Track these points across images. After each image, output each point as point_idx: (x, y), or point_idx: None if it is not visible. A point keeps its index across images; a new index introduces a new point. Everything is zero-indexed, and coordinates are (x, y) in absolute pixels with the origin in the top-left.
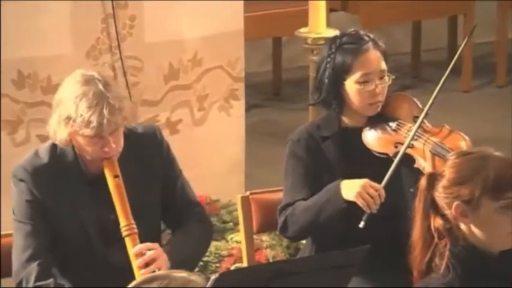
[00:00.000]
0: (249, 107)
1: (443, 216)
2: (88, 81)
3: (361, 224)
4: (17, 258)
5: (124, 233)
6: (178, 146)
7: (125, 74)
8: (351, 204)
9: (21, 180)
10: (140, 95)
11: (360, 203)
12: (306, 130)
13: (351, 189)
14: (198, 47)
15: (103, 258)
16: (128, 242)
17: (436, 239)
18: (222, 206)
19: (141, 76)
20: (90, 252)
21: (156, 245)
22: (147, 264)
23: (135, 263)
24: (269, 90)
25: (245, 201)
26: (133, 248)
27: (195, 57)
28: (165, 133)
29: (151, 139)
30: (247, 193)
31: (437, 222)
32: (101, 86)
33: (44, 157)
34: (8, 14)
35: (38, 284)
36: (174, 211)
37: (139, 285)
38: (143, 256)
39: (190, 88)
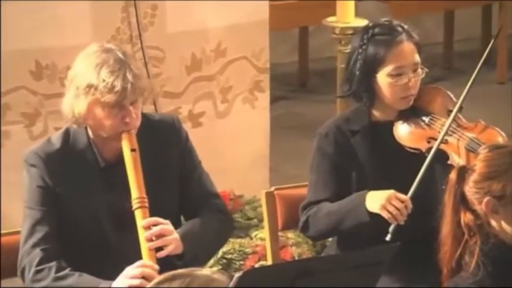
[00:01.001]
0: (274, 99)
1: (473, 211)
2: (107, 50)
3: (388, 237)
4: (22, 244)
5: (135, 206)
6: (200, 139)
7: (146, 64)
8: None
9: (32, 165)
10: (162, 87)
11: (385, 215)
12: (335, 124)
13: (375, 201)
14: (222, 37)
15: (116, 248)
16: (137, 214)
17: (466, 236)
18: (246, 202)
19: (163, 67)
20: (103, 241)
21: (166, 221)
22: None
23: (143, 236)
24: (295, 81)
25: (270, 196)
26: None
27: (219, 48)
28: (187, 126)
29: (169, 127)
30: (272, 188)
31: (467, 218)
32: (120, 54)
33: (57, 143)
34: (25, 3)
35: (40, 267)
36: (191, 202)
37: (160, 285)
38: (151, 232)
39: (214, 79)
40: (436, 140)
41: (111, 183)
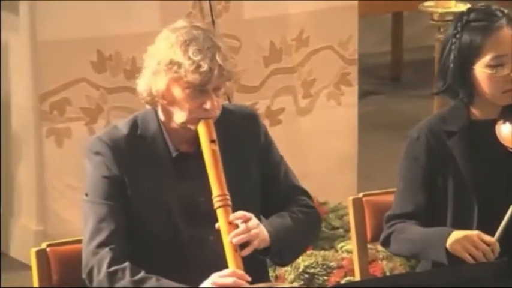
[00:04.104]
0: (362, 94)
1: None
2: (197, 27)
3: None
4: (86, 244)
5: (216, 204)
6: (279, 138)
7: None
8: None
9: (97, 153)
10: (236, 80)
11: (467, 259)
12: (428, 126)
13: (458, 241)
14: (305, 24)
15: (188, 245)
16: (219, 214)
17: None
18: (331, 210)
19: (238, 58)
20: (174, 238)
21: (251, 215)
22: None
23: (226, 234)
24: (387, 74)
25: (358, 204)
26: (224, 223)
27: (301, 36)
28: (265, 124)
29: (248, 119)
30: (360, 195)
31: None
32: (210, 34)
33: (124, 129)
34: None
35: (112, 268)
36: (277, 200)
37: None
38: (237, 231)
39: (295, 72)
40: None
41: (183, 175)
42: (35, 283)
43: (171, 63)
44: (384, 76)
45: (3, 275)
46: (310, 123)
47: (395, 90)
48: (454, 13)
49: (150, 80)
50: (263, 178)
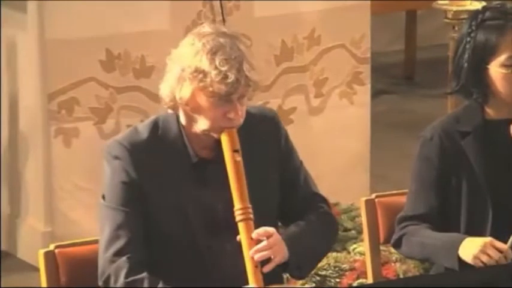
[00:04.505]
0: (375, 93)
1: None
2: (223, 34)
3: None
4: (103, 251)
5: (238, 218)
6: (291, 138)
7: None
8: None
9: (116, 157)
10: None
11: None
12: (442, 126)
13: (470, 248)
14: (316, 23)
15: (206, 254)
16: (241, 228)
17: None
18: (343, 211)
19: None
20: (192, 246)
21: (273, 230)
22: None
23: (247, 249)
24: (400, 73)
25: (370, 205)
26: (246, 237)
27: (312, 35)
28: None
29: (269, 123)
30: (373, 195)
31: None
32: (237, 41)
33: (144, 132)
34: None
35: (129, 279)
36: (297, 206)
37: None
38: (258, 246)
39: (307, 71)
40: None
41: (203, 181)
42: (43, 285)
43: (197, 71)
44: (397, 75)
45: (10, 277)
46: (322, 122)
47: (408, 89)
48: (468, 11)
49: (174, 86)
50: (282, 183)
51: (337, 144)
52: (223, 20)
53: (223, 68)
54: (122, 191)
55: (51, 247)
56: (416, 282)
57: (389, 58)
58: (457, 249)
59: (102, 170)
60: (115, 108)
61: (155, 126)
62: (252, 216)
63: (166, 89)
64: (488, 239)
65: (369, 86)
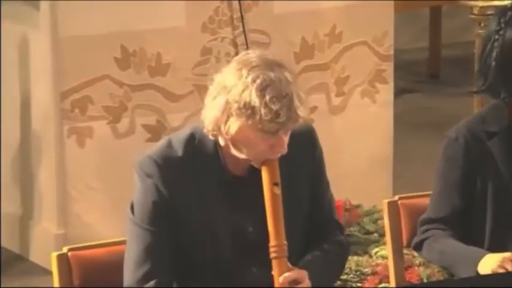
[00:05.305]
0: (398, 92)
1: None
2: (271, 65)
3: None
4: (131, 272)
5: (273, 254)
6: None
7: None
8: None
9: (148, 175)
10: None
11: None
12: (467, 126)
13: (489, 264)
14: (338, 19)
15: (232, 276)
16: (275, 265)
17: None
18: (365, 213)
19: (268, 54)
20: (218, 267)
21: (304, 273)
22: None
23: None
24: (424, 71)
25: (393, 207)
26: (279, 275)
27: (334, 31)
28: None
29: (306, 139)
30: (396, 197)
31: None
32: (287, 74)
33: (179, 149)
34: None
35: None
36: (317, 230)
37: None
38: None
39: (328, 69)
40: None
41: (234, 202)
42: None
43: (245, 107)
44: (421, 73)
45: (22, 280)
46: (344, 122)
47: (433, 87)
48: (495, 7)
49: (218, 117)
50: (310, 202)
51: (359, 144)
52: (242, 17)
53: (275, 107)
54: (153, 211)
55: (65, 250)
56: (438, 286)
57: (413, 55)
58: (477, 265)
59: (115, 171)
60: (130, 107)
61: (191, 141)
62: (286, 253)
63: (210, 117)
64: (507, 254)
65: (391, 84)
